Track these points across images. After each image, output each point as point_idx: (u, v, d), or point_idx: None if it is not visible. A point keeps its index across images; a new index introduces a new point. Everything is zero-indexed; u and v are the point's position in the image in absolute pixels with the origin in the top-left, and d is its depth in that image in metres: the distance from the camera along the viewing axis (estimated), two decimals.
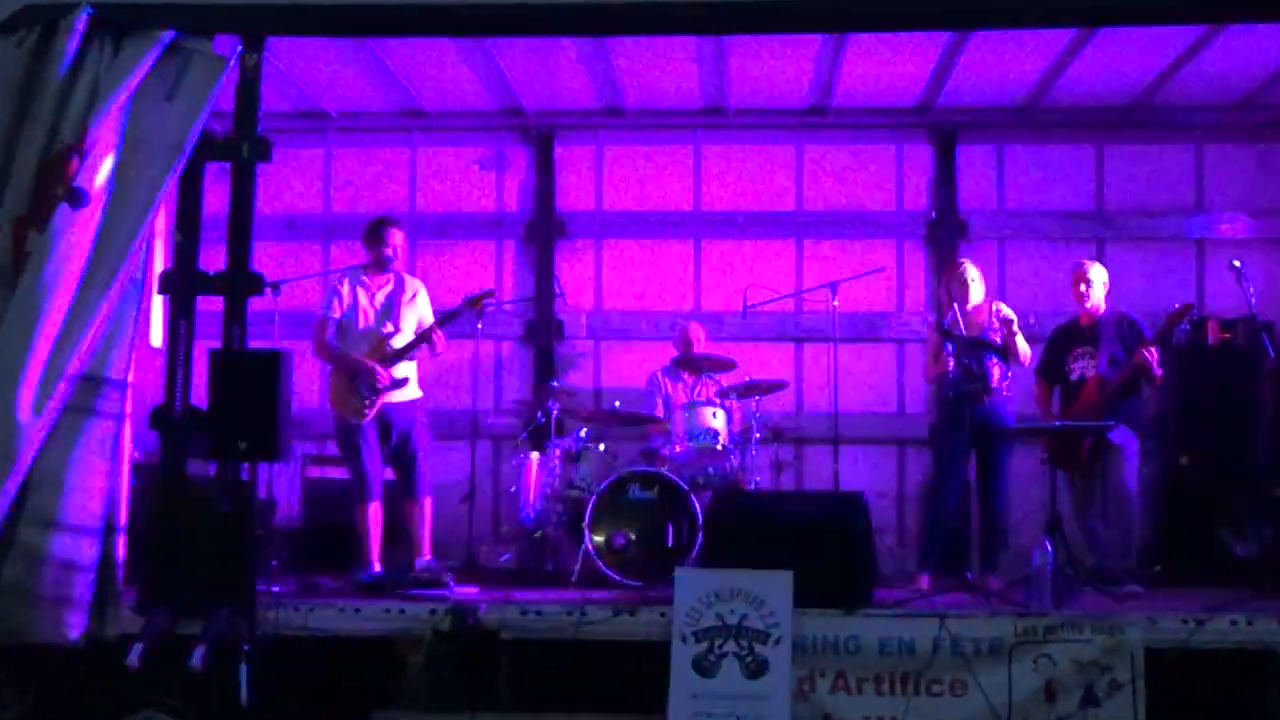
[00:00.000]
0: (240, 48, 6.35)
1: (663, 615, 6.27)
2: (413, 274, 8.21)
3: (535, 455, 8.31)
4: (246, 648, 5.90)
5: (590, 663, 6.31)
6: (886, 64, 8.62)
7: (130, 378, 6.13)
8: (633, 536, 7.54)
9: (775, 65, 8.72)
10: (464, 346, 8.50)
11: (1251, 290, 7.10)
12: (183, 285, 6.36)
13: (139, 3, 6.32)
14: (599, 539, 7.53)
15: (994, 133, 9.60)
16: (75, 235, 5.98)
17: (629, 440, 8.71)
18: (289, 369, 6.22)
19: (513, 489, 8.46)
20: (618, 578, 7.35)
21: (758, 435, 8.11)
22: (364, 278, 7.62)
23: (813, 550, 6.32)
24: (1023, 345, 7.50)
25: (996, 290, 9.24)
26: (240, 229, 6.33)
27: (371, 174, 9.91)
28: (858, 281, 8.50)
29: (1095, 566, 7.44)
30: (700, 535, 7.28)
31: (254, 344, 6.37)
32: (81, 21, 6.17)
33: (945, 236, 9.49)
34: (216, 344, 6.26)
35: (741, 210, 9.71)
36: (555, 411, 8.37)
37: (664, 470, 7.74)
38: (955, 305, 7.51)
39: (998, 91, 9.10)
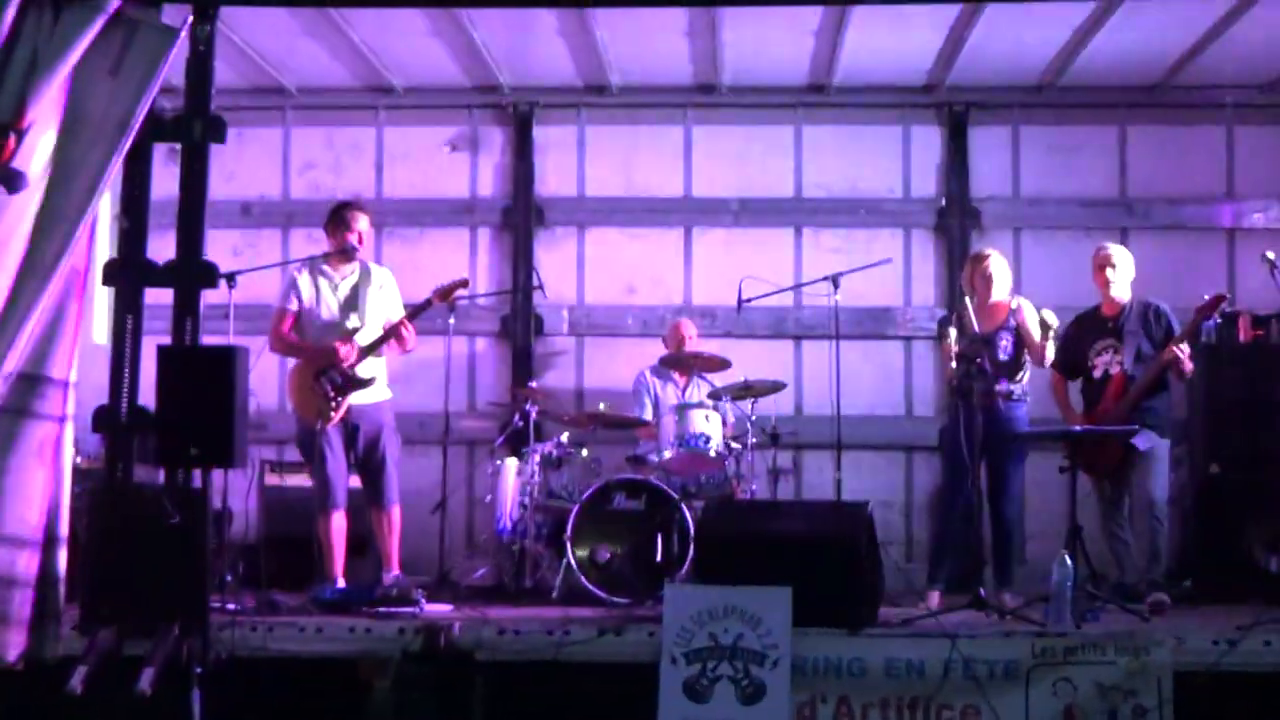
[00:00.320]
0: (191, 18, 6.30)
1: (651, 635, 6.25)
2: (379, 263, 8.17)
3: (512, 461, 8.29)
4: (199, 671, 5.85)
5: (572, 686, 6.29)
6: (892, 38, 8.63)
7: (72, 377, 6.08)
8: (618, 550, 7.53)
9: (772, 39, 8.72)
10: (435, 343, 8.45)
11: None
12: (129, 276, 6.31)
13: None
14: (582, 552, 7.51)
15: (1009, 113, 9.64)
16: (11, 222, 5.93)
17: (614, 445, 8.70)
18: (245, 367, 6.17)
19: (488, 498, 8.44)
20: (602, 594, 7.34)
21: (753, 440, 8.09)
22: (326, 267, 7.59)
23: (813, 565, 6.31)
24: (1049, 349, 7.48)
25: (1011, 283, 9.24)
26: (191, 215, 6.29)
27: (334, 155, 9.90)
28: (861, 274, 8.48)
29: (1119, 582, 7.44)
30: (691, 549, 7.26)
31: (207, 340, 6.32)
32: None
33: (956, 225, 9.52)
34: (166, 340, 6.21)
35: (735, 196, 9.72)
36: (534, 414, 8.35)
37: (652, 478, 7.73)
38: (966, 300, 7.49)
39: (1013, 68, 9.13)
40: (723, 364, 8.45)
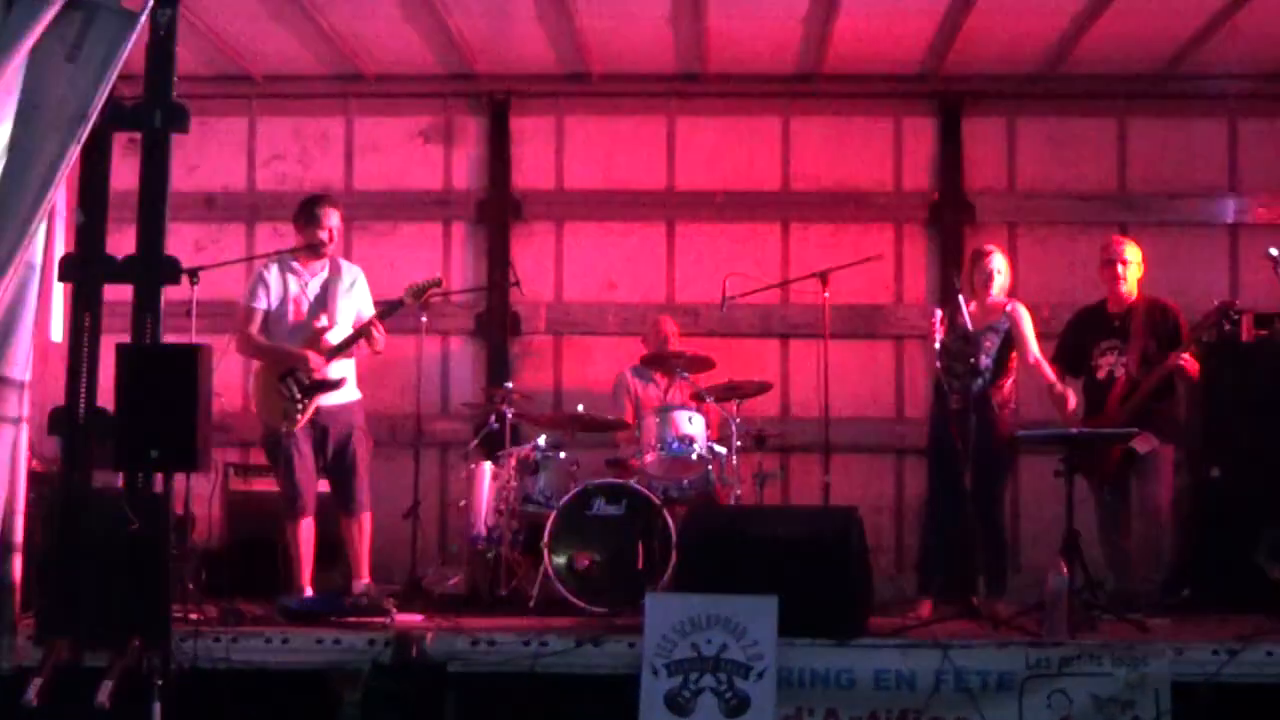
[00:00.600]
0: (152, 1, 6.30)
1: (631, 646, 6.27)
2: (350, 259, 8.18)
3: (487, 465, 8.29)
4: (159, 683, 5.86)
5: (549, 699, 6.31)
6: (884, 24, 8.65)
7: (28, 376, 6.08)
8: (598, 557, 7.54)
9: (759, 25, 8.74)
10: (407, 342, 8.47)
11: None
12: (87, 272, 6.31)
13: None
14: (560, 560, 7.52)
15: (1004, 104, 9.67)
16: None
17: (593, 448, 8.72)
18: (208, 366, 6.18)
19: (462, 503, 8.44)
20: (581, 603, 7.35)
21: (738, 443, 8.11)
22: (295, 264, 7.59)
23: (800, 573, 6.34)
24: (1032, 347, 7.54)
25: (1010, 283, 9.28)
26: (153, 208, 6.28)
27: (302, 146, 9.89)
28: (851, 270, 8.51)
29: (1117, 590, 7.47)
30: (673, 556, 7.28)
31: (168, 338, 6.33)
32: None
33: (949, 220, 9.55)
34: (125, 338, 6.21)
35: (720, 189, 9.72)
36: (510, 416, 8.36)
37: (633, 482, 7.75)
38: (961, 298, 7.51)
39: (1009, 57, 9.15)
40: (706, 364, 8.46)
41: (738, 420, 8.18)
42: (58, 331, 8.08)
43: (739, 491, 8.09)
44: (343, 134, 9.88)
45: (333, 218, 7.59)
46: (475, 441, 8.71)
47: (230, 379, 8.56)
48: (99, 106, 6.08)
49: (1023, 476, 8.93)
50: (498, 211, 9.71)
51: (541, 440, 8.20)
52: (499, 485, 8.07)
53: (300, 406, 7.33)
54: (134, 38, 6.17)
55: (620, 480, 7.81)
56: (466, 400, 9.38)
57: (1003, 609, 7.16)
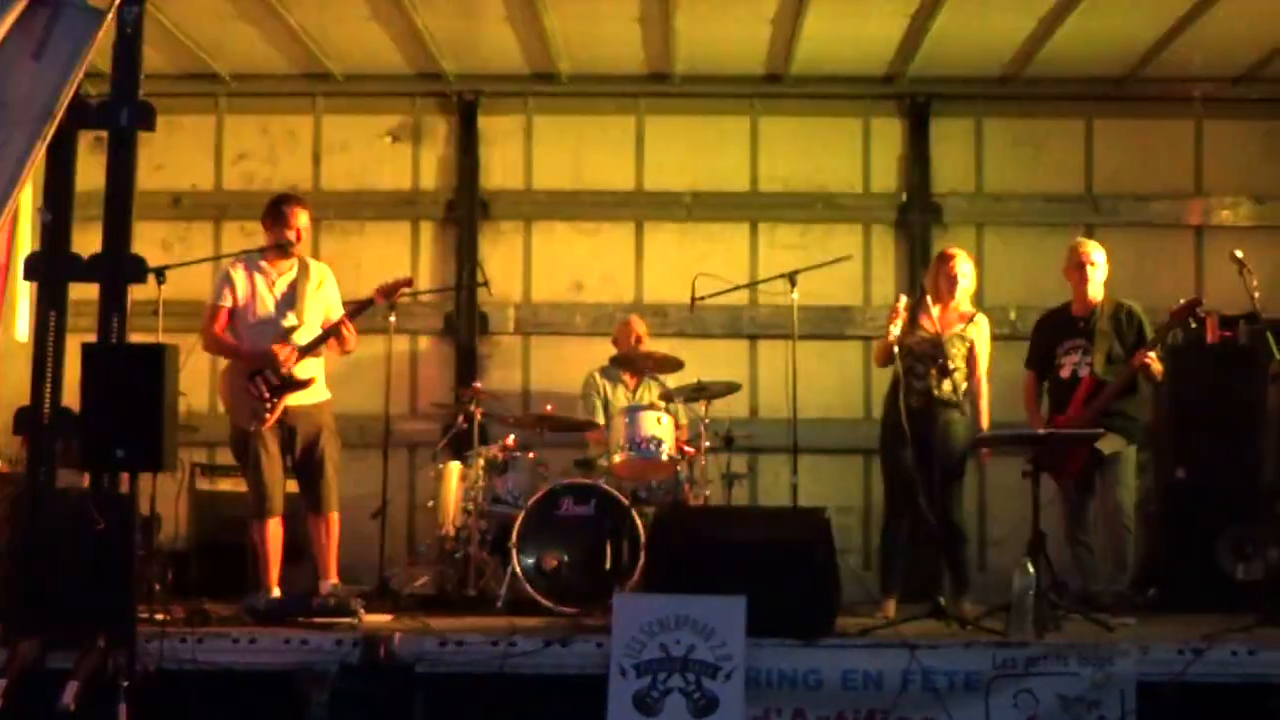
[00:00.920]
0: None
1: (599, 646, 6.26)
2: (317, 258, 8.15)
3: (456, 465, 8.29)
4: (126, 684, 5.82)
5: (517, 700, 6.30)
6: (852, 26, 8.68)
7: None
8: (566, 558, 7.54)
9: (728, 27, 8.75)
10: (375, 342, 8.44)
11: (1255, 284, 7.18)
12: (52, 271, 6.27)
13: None
14: (528, 560, 7.52)
15: (972, 105, 9.72)
16: None
17: (562, 449, 8.71)
18: (175, 366, 6.17)
19: (430, 503, 8.44)
20: (549, 604, 7.35)
21: (707, 444, 8.12)
22: (263, 263, 7.55)
23: (768, 573, 6.34)
24: (983, 367, 7.62)
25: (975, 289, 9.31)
26: (119, 207, 6.25)
27: (270, 145, 9.86)
28: (819, 271, 8.51)
29: (1083, 591, 7.50)
30: (642, 556, 7.29)
31: (134, 338, 6.30)
32: None
33: (917, 221, 9.59)
34: (91, 337, 6.17)
35: (689, 190, 9.75)
36: (478, 416, 8.35)
37: (601, 483, 7.75)
38: (929, 298, 7.53)
39: (977, 58, 9.20)
40: (675, 364, 8.46)
41: (706, 421, 8.19)
42: (23, 330, 8.03)
43: (707, 492, 8.10)
44: (310, 133, 9.85)
45: (300, 217, 7.55)
46: (444, 441, 8.70)
47: (197, 379, 8.51)
48: (65, 104, 6.05)
49: (989, 477, 8.99)
50: (466, 211, 9.69)
51: (510, 440, 8.19)
52: (467, 485, 8.07)
53: (269, 406, 7.30)
54: (100, 35, 6.15)
55: (588, 481, 7.81)
56: (435, 400, 9.37)
57: (969, 609, 7.20)
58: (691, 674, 6.09)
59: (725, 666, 6.08)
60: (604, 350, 9.01)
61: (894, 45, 8.99)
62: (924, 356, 7.47)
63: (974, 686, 6.10)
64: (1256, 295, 7.18)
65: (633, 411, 8.01)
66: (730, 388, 8.38)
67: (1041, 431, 7.32)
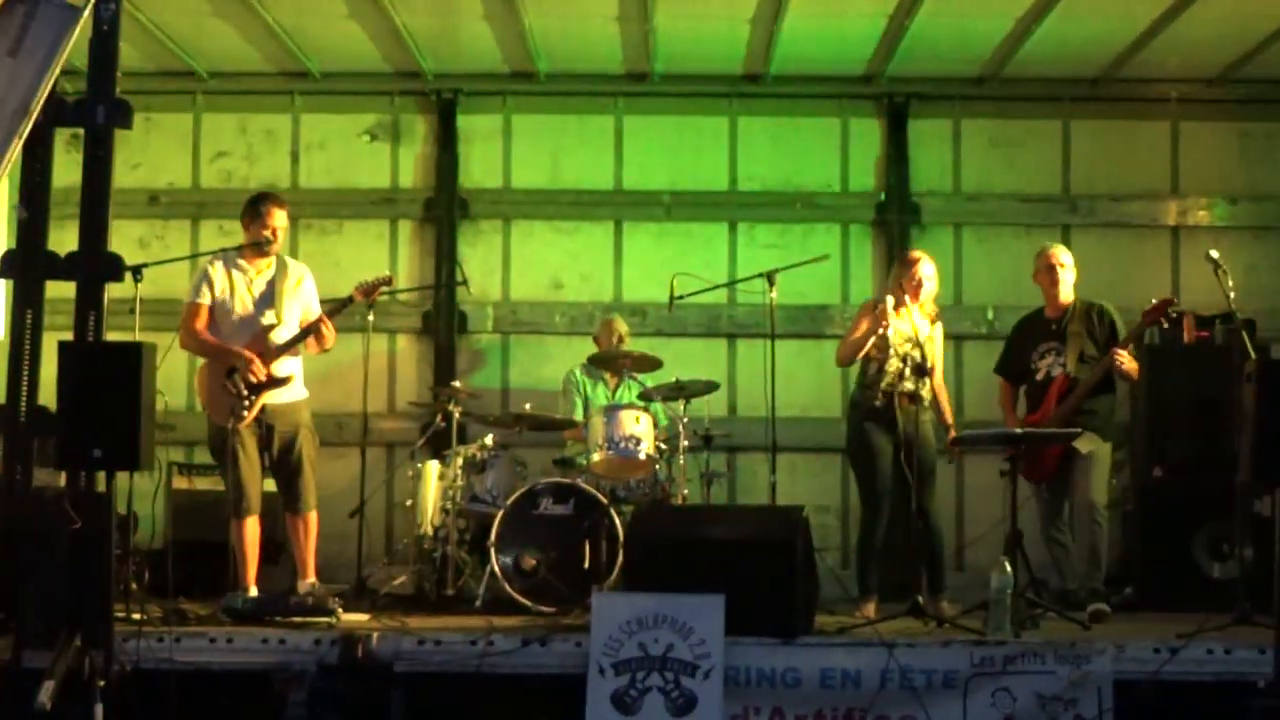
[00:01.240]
0: None
1: (578, 645, 6.27)
2: (295, 257, 8.12)
3: (434, 464, 8.27)
4: (102, 684, 5.81)
5: (496, 699, 6.30)
6: (831, 26, 8.70)
7: None
8: (544, 557, 7.52)
9: (707, 26, 8.76)
10: (353, 340, 8.43)
11: (1230, 284, 7.21)
12: (29, 268, 6.24)
13: None
14: (506, 559, 7.50)
15: (950, 105, 9.74)
16: None
17: (541, 448, 8.71)
18: (152, 364, 6.14)
19: (408, 502, 8.41)
20: (527, 603, 7.34)
21: (686, 443, 8.11)
22: (241, 261, 7.52)
23: (747, 572, 6.35)
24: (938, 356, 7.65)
25: (951, 282, 9.34)
26: (95, 205, 6.22)
27: (247, 143, 9.84)
28: (798, 270, 8.52)
29: (1060, 589, 7.53)
30: (620, 555, 7.28)
31: (111, 336, 6.26)
32: None
33: (895, 221, 9.60)
34: (68, 335, 6.14)
35: (668, 189, 9.75)
36: (457, 415, 8.33)
37: (580, 482, 7.74)
38: (908, 299, 7.53)
39: (954, 59, 9.22)
40: (654, 363, 8.46)
41: (685, 420, 8.18)
42: None
43: (686, 491, 8.10)
44: (289, 131, 9.83)
45: (278, 216, 7.51)
46: (422, 440, 8.69)
47: (174, 377, 8.47)
48: (41, 102, 6.02)
49: (966, 476, 9.01)
50: (445, 210, 9.68)
51: (488, 439, 8.17)
52: (445, 484, 8.05)
53: (246, 404, 7.27)
54: (77, 32, 6.12)
55: (567, 479, 7.80)
56: (413, 399, 9.35)
57: (947, 608, 7.21)
58: (670, 673, 6.09)
59: (704, 665, 6.09)
60: (583, 349, 8.99)
61: (872, 45, 9.00)
62: (906, 358, 7.49)
63: (952, 685, 6.12)
64: (1232, 295, 7.20)
65: (611, 410, 8.00)
66: (709, 386, 8.38)
67: (1018, 431, 7.34)
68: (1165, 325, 7.78)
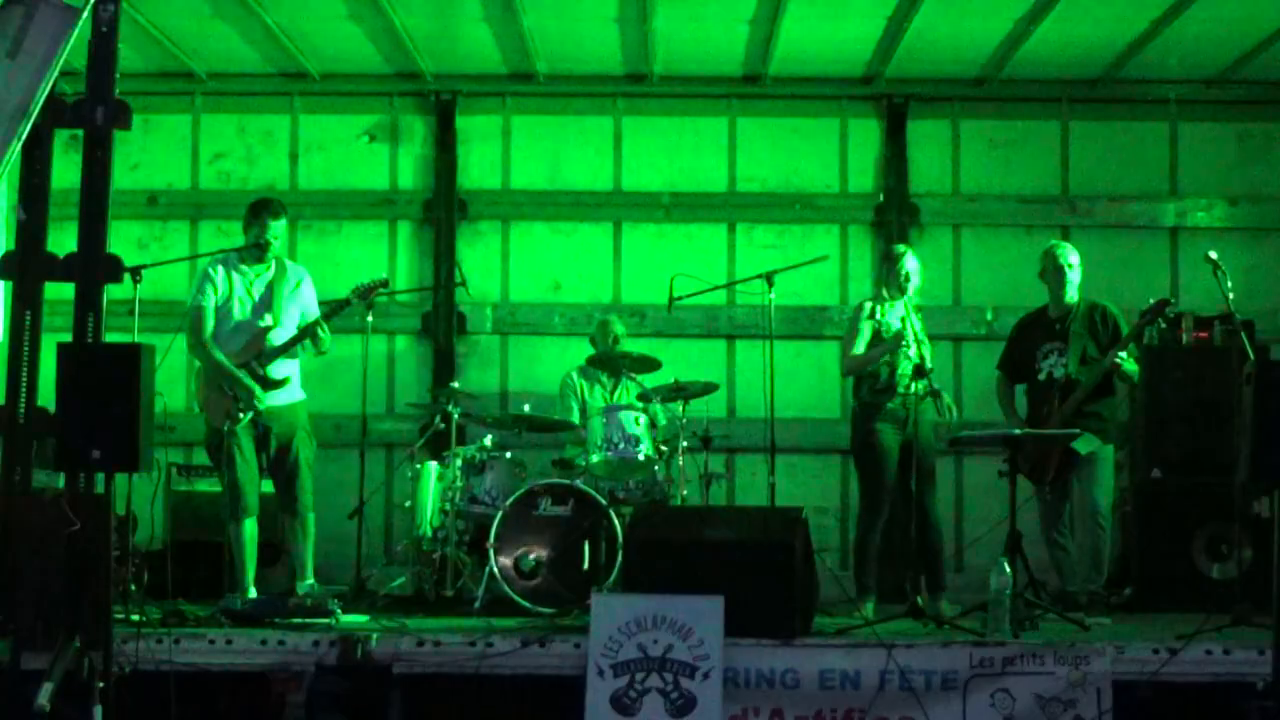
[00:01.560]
0: None
1: (577, 646, 6.27)
2: (294, 258, 8.12)
3: (433, 465, 8.26)
4: (102, 685, 5.81)
5: (495, 700, 6.31)
6: (830, 27, 8.69)
7: None
8: (543, 558, 7.53)
9: (706, 27, 8.75)
10: (352, 342, 8.43)
11: (1229, 284, 7.22)
12: (28, 270, 6.25)
13: None
14: (505, 560, 7.50)
15: (949, 106, 9.73)
16: None
17: (540, 449, 8.71)
18: (150, 366, 6.13)
19: (407, 503, 8.40)
20: (527, 604, 7.33)
21: (684, 444, 8.11)
22: (240, 263, 7.52)
23: (746, 573, 6.36)
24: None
25: (950, 282, 9.35)
26: (94, 206, 6.23)
27: (246, 145, 9.82)
28: (797, 271, 8.54)
29: (1059, 590, 7.53)
30: (620, 556, 7.28)
31: (110, 337, 6.27)
32: None
33: (894, 222, 9.58)
34: (67, 337, 6.15)
35: (667, 190, 9.74)
36: (456, 416, 8.33)
37: (579, 483, 7.73)
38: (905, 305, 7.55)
39: (953, 60, 9.21)
40: (653, 365, 8.46)
41: (684, 420, 8.18)
42: None
43: (685, 492, 8.10)
44: (288, 133, 9.81)
45: (275, 226, 7.50)
46: (421, 441, 8.68)
47: (173, 379, 8.46)
48: (40, 103, 6.03)
49: (966, 477, 9.01)
50: (444, 211, 9.67)
51: (487, 440, 8.17)
52: (444, 485, 8.04)
53: (244, 405, 7.28)
54: (75, 34, 6.13)
55: (566, 481, 7.80)
56: (412, 400, 9.33)
57: (946, 609, 7.21)
58: (669, 674, 6.10)
59: (703, 666, 6.09)
60: (582, 350, 9.00)
61: (871, 46, 9.00)
62: (920, 358, 7.49)
63: (951, 686, 6.13)
64: (1231, 296, 7.22)
65: (611, 411, 8.00)
66: (708, 387, 8.37)
67: (1018, 431, 7.35)
68: (1163, 325, 7.79)
